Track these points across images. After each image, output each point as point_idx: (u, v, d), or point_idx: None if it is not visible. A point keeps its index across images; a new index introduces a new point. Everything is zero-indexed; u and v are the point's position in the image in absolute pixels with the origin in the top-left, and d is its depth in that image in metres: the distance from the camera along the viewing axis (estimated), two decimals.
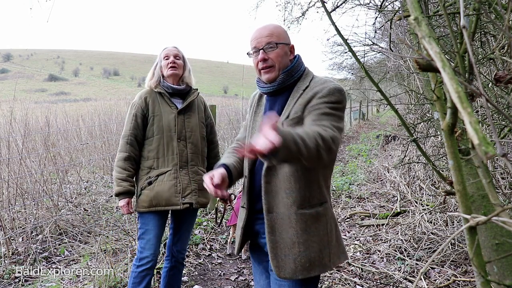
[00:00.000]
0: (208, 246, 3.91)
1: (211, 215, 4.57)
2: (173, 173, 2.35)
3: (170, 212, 2.51)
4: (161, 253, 3.34)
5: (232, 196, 2.76)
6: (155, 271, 3.13)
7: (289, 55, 1.57)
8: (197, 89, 2.56)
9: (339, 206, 5.27)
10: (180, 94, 2.45)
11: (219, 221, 3.04)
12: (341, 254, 1.55)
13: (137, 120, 2.35)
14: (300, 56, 1.63)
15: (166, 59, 2.41)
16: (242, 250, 3.69)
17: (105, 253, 3.31)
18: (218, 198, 2.73)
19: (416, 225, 3.94)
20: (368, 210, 4.88)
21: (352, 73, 16.75)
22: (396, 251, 3.61)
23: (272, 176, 1.50)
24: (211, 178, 1.49)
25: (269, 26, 1.57)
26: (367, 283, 3.10)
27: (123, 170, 2.32)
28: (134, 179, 2.40)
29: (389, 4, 3.35)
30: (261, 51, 1.53)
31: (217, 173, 1.52)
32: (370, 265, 3.43)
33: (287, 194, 1.47)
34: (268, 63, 1.53)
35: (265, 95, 1.67)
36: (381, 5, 2.73)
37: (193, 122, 2.45)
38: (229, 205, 2.80)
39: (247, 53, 1.61)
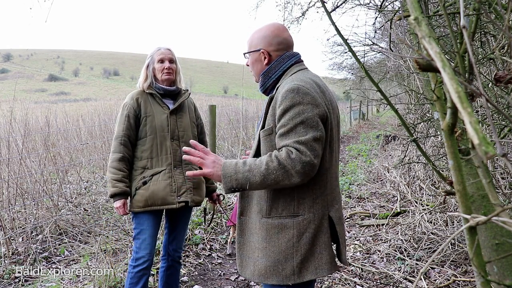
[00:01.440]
0: (208, 246, 3.91)
1: (211, 215, 4.57)
2: (168, 173, 2.35)
3: (164, 211, 2.52)
4: (161, 253, 3.34)
5: (221, 197, 2.77)
6: (154, 270, 3.13)
7: (264, 60, 1.58)
8: (187, 90, 2.57)
9: None
10: (171, 94, 2.46)
11: (207, 221, 3.05)
12: (318, 269, 1.48)
13: (129, 121, 2.35)
14: (287, 55, 1.57)
15: (161, 62, 2.40)
16: None
17: (105, 253, 3.31)
18: (206, 199, 2.76)
19: (416, 225, 3.94)
20: (368, 210, 4.89)
21: (352, 73, 16.77)
22: (396, 251, 3.61)
23: None
24: None
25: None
26: (367, 283, 3.10)
27: (118, 170, 2.31)
28: (128, 180, 2.40)
29: (389, 4, 3.35)
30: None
31: None
32: (370, 265, 3.43)
33: (257, 201, 1.52)
34: (249, 69, 1.68)
35: None
36: (381, 5, 2.73)
37: (185, 122, 2.47)
38: (218, 206, 2.81)
39: None
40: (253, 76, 1.68)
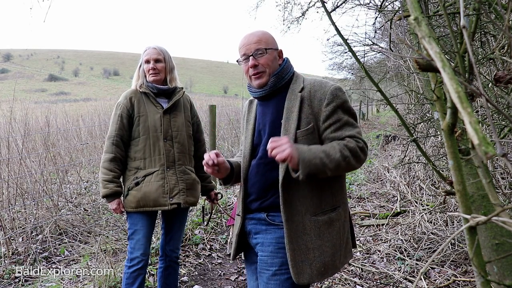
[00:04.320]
0: (208, 246, 3.91)
1: (209, 214, 4.57)
2: (160, 174, 2.33)
3: (160, 212, 2.51)
4: (159, 254, 3.34)
5: (219, 195, 2.78)
6: (155, 271, 3.13)
7: (278, 60, 1.61)
8: (182, 88, 2.53)
9: None
10: (165, 93, 2.43)
11: (206, 221, 3.07)
12: (348, 253, 1.62)
13: (122, 121, 2.34)
14: (288, 59, 1.66)
15: (147, 63, 2.39)
16: None
17: (105, 253, 3.31)
18: (204, 198, 2.76)
19: (416, 225, 3.94)
20: (368, 210, 4.89)
21: (352, 73, 16.78)
22: (396, 251, 3.61)
23: (288, 184, 1.51)
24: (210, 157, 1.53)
25: (257, 32, 1.60)
26: (367, 283, 3.10)
27: (109, 171, 2.31)
28: (120, 180, 2.39)
29: (389, 4, 3.35)
30: (251, 57, 1.56)
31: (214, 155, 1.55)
32: (370, 265, 3.43)
33: (300, 202, 1.50)
34: (258, 69, 1.56)
35: (256, 101, 1.70)
36: (381, 5, 2.73)
37: (179, 121, 2.44)
38: (216, 205, 2.80)
39: (237, 61, 1.63)
40: (262, 78, 1.57)
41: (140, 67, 2.43)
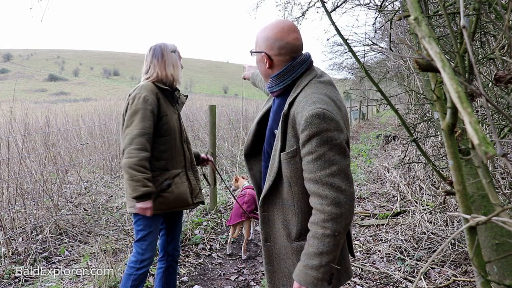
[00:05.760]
0: (208, 246, 3.91)
1: (211, 215, 4.57)
2: (184, 175, 2.36)
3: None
4: (159, 255, 3.34)
5: (209, 154, 2.77)
6: (155, 271, 3.13)
7: (266, 63, 1.46)
8: (179, 90, 2.47)
9: None
10: (172, 93, 2.39)
11: (228, 188, 3.09)
12: (342, 275, 1.50)
13: (153, 118, 2.18)
14: (298, 62, 1.44)
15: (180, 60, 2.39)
16: (242, 250, 3.71)
17: (105, 253, 3.31)
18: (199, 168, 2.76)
19: (416, 225, 3.94)
20: (368, 210, 4.88)
21: (352, 73, 16.78)
22: (396, 251, 3.61)
23: (269, 205, 1.48)
24: None
25: (259, 30, 1.51)
26: (367, 283, 3.10)
27: (147, 170, 2.13)
28: None
29: (389, 4, 3.35)
30: None
31: None
32: (370, 265, 3.43)
33: (283, 225, 1.45)
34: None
35: None
36: (381, 5, 2.73)
37: (183, 122, 2.48)
38: (211, 163, 2.75)
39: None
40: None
41: (174, 61, 2.32)
